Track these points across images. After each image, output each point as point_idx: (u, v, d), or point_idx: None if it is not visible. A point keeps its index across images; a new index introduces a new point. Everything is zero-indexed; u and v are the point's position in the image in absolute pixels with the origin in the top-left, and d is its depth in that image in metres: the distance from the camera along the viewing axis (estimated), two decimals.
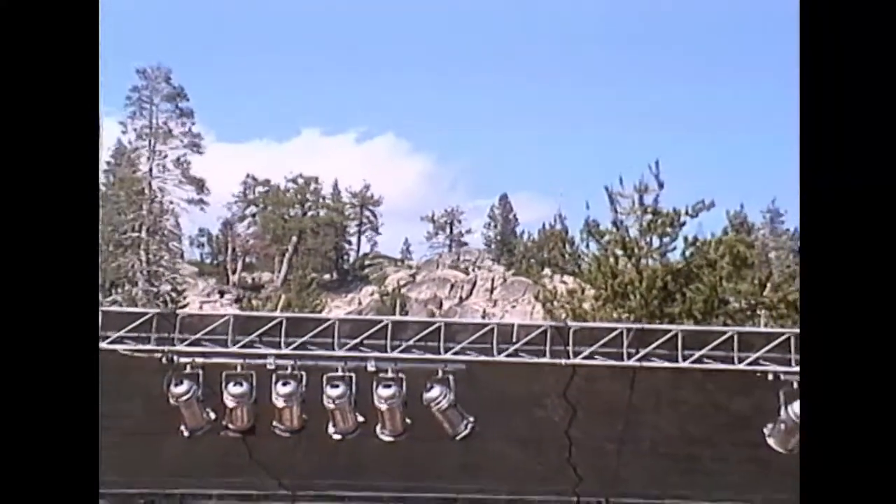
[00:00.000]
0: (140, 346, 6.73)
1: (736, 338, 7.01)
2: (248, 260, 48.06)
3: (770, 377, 6.84)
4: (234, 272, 46.58)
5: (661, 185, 15.21)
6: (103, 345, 6.16)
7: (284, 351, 6.78)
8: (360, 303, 42.75)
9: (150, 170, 40.73)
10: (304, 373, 6.80)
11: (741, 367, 6.86)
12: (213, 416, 6.88)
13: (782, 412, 6.71)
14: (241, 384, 6.73)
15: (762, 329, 9.64)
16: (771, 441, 6.88)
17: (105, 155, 39.09)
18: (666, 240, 14.65)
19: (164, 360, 6.54)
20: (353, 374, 6.83)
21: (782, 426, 6.75)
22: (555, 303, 16.34)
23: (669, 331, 7.11)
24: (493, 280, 43.23)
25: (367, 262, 49.18)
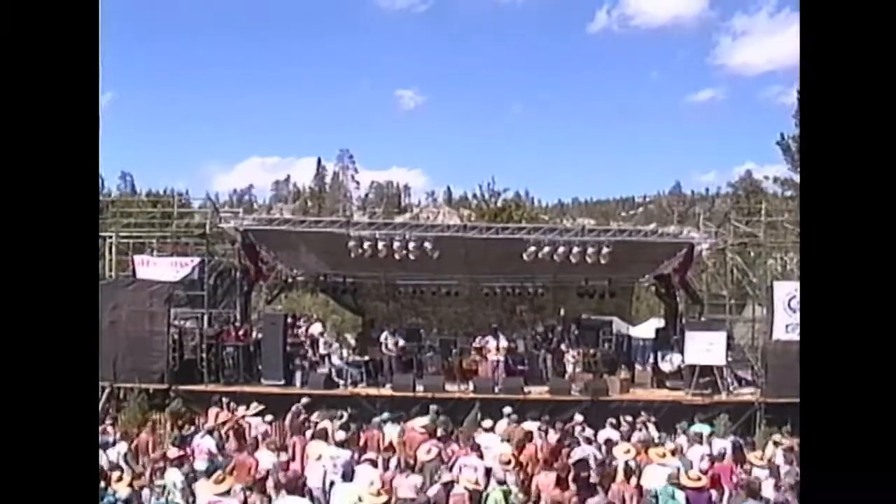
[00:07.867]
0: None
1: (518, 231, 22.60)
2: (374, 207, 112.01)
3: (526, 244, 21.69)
4: (366, 211, 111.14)
5: (493, 181, 36.60)
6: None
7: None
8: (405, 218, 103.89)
9: (342, 180, 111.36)
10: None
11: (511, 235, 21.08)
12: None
13: (524, 255, 21.33)
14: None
15: (522, 224, 24.69)
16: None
17: (328, 179, 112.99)
18: (492, 200, 34.17)
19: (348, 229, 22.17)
20: None
21: (524, 256, 21.69)
22: (462, 218, 42.56)
23: (493, 227, 21.73)
24: (443, 214, 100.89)
25: (405, 206, 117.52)
